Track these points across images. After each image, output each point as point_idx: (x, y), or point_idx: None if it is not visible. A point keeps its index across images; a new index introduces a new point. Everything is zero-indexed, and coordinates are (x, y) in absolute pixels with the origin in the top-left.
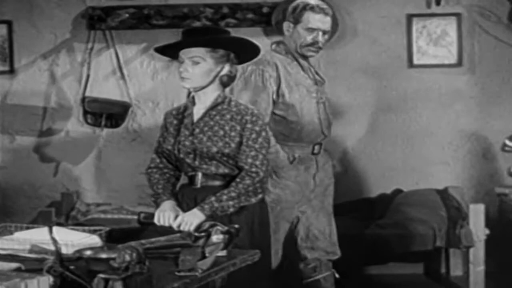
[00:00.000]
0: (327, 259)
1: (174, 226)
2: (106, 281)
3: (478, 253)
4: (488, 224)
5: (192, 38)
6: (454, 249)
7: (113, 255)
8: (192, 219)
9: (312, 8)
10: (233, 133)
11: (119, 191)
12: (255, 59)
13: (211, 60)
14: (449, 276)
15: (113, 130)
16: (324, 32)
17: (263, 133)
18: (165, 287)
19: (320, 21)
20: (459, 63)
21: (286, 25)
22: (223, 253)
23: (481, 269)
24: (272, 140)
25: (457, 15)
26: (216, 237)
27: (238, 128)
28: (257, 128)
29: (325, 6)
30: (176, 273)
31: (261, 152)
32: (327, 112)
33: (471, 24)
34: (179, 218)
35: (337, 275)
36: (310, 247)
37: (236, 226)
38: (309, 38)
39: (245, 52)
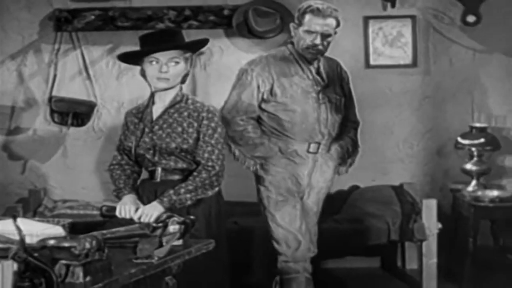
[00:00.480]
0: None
1: (135, 218)
2: (67, 266)
3: (430, 246)
4: (442, 218)
5: (167, 43)
6: (410, 243)
7: (74, 244)
8: (151, 211)
9: (312, 11)
10: (190, 130)
11: (85, 188)
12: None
13: (183, 61)
14: (405, 269)
15: (79, 128)
16: (324, 35)
17: (219, 129)
18: (123, 273)
19: (318, 24)
20: (414, 64)
21: (291, 27)
22: (179, 242)
23: (433, 261)
24: (258, 133)
25: (412, 17)
26: (172, 227)
27: (195, 124)
28: (213, 125)
29: (327, 9)
30: (134, 260)
31: (217, 147)
32: (333, 113)
33: (426, 26)
34: (139, 211)
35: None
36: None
37: (192, 217)
38: (308, 41)
39: (200, 49)
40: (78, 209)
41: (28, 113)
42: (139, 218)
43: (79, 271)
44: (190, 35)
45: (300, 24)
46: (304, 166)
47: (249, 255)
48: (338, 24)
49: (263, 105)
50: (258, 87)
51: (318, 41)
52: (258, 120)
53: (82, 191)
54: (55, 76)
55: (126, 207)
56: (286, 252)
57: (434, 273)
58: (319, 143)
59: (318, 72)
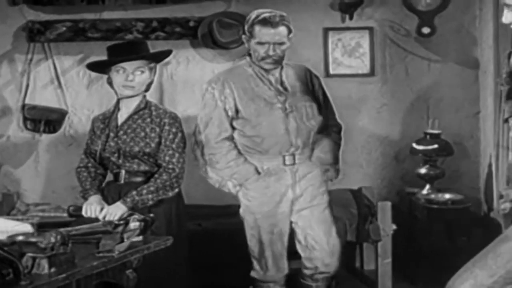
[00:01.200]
0: (323, 271)
1: (100, 217)
2: (34, 259)
3: (385, 247)
4: (399, 221)
5: (133, 53)
6: (368, 244)
7: (40, 239)
8: (116, 210)
9: (260, 22)
10: (153, 134)
11: (56, 192)
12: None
13: (148, 70)
14: (363, 269)
15: (51, 135)
16: (277, 44)
17: (179, 134)
18: (85, 265)
19: (268, 34)
20: (371, 73)
21: (243, 39)
22: (139, 238)
23: (388, 261)
24: (234, 154)
25: (370, 29)
26: (133, 224)
27: (158, 129)
28: (174, 130)
29: (275, 17)
30: (96, 254)
31: (178, 151)
32: (304, 121)
33: (383, 37)
34: (104, 210)
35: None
36: (308, 257)
37: (151, 215)
38: (262, 52)
39: (163, 59)
40: (49, 212)
41: (2, 121)
42: (104, 217)
43: (45, 263)
44: (157, 45)
45: (251, 36)
46: (284, 181)
47: (213, 256)
48: (290, 31)
49: (233, 123)
50: (223, 105)
51: (271, 52)
52: (233, 139)
53: (53, 195)
54: (28, 85)
55: (92, 207)
56: (259, 272)
57: (389, 272)
58: (293, 154)
59: (280, 81)
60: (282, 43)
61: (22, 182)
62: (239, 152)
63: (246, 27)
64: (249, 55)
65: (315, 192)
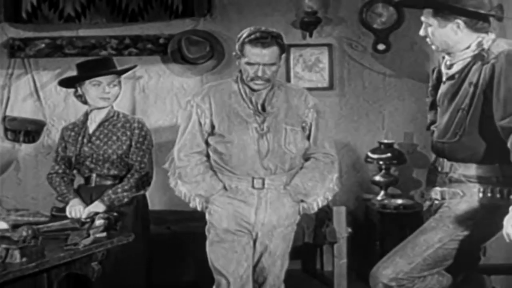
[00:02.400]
0: None
1: (83, 217)
2: (7, 250)
3: (341, 248)
4: (356, 225)
5: (105, 69)
6: (327, 246)
7: (13, 233)
8: (95, 209)
9: (251, 42)
10: (124, 138)
11: (35, 198)
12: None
13: (118, 84)
14: (323, 270)
15: (30, 145)
16: (267, 65)
17: (148, 137)
18: (53, 256)
19: (258, 55)
20: (330, 87)
21: (234, 56)
22: (103, 234)
23: (343, 262)
24: (202, 168)
25: (329, 45)
26: (98, 222)
27: (128, 133)
28: (143, 133)
29: (266, 38)
30: (64, 247)
31: (147, 152)
32: (281, 145)
33: (341, 53)
34: (86, 210)
35: None
36: (257, 281)
37: (115, 213)
38: (251, 73)
39: (126, 73)
40: (29, 217)
41: None
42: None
43: (17, 254)
44: (130, 61)
45: (242, 54)
46: (248, 203)
47: (179, 256)
48: (282, 50)
49: (209, 139)
50: (199, 119)
51: (260, 73)
52: (205, 154)
53: (32, 201)
54: (8, 97)
55: (76, 208)
56: None
57: (344, 273)
58: (263, 178)
59: (263, 101)
60: (272, 64)
61: (3, 189)
62: (211, 168)
63: (237, 45)
64: (240, 71)
65: (281, 223)
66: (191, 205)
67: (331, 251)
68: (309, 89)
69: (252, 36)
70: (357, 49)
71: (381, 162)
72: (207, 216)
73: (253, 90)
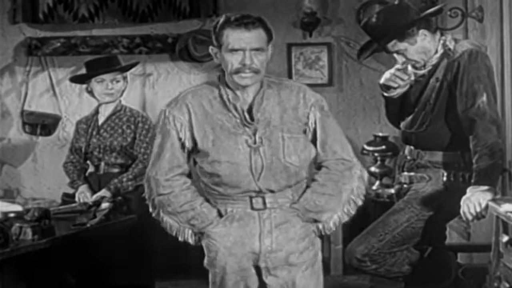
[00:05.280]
0: None
1: (91, 201)
2: (21, 228)
3: (337, 235)
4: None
5: (109, 67)
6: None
7: (27, 213)
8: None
9: (231, 24)
10: (128, 130)
11: (51, 188)
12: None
13: (122, 79)
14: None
15: (47, 138)
16: (254, 51)
17: (151, 130)
18: (63, 233)
19: (241, 39)
20: (330, 83)
21: (211, 52)
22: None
23: (339, 247)
24: (189, 195)
25: (328, 44)
26: (104, 205)
27: (132, 127)
28: (146, 126)
29: (248, 18)
30: (72, 227)
31: (150, 143)
32: (280, 158)
33: (339, 52)
34: (94, 196)
35: None
36: None
37: (119, 198)
38: (235, 63)
39: (131, 69)
40: (45, 205)
41: (4, 125)
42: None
43: (29, 231)
44: (141, 59)
45: (220, 44)
46: (249, 228)
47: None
48: (269, 37)
49: (194, 156)
50: (177, 134)
51: (247, 60)
52: (189, 176)
53: (48, 191)
54: (26, 93)
55: (83, 195)
56: None
57: (340, 257)
58: (263, 197)
59: (250, 107)
60: (260, 50)
61: (21, 179)
62: (199, 193)
63: (213, 36)
64: (222, 71)
65: (293, 247)
66: (180, 238)
67: (326, 238)
68: (310, 85)
69: (232, 18)
70: (354, 47)
71: (376, 154)
72: (205, 250)
73: (236, 90)
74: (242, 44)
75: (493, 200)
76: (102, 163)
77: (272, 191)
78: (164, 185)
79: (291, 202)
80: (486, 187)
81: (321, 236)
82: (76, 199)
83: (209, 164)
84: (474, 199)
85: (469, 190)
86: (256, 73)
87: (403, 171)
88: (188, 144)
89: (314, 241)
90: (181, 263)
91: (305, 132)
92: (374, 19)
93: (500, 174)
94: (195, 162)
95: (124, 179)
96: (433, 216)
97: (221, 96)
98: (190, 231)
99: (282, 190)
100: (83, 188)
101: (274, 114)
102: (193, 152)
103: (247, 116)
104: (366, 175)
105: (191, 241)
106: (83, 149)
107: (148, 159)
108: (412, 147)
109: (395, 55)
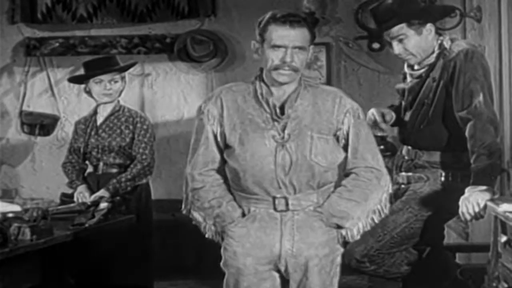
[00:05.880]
0: None
1: (89, 201)
2: (19, 228)
3: None
4: None
5: (107, 67)
6: None
7: (25, 214)
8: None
9: (277, 20)
10: (127, 131)
11: (49, 188)
12: None
13: (120, 80)
14: None
15: (45, 138)
16: (296, 49)
17: (150, 130)
18: (61, 234)
19: (285, 36)
20: (328, 83)
21: (253, 47)
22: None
23: None
24: (218, 191)
25: (327, 44)
26: (102, 205)
27: (131, 127)
28: (145, 127)
29: (294, 16)
30: (70, 227)
31: (149, 144)
32: (306, 156)
33: (338, 52)
34: (92, 197)
35: None
36: None
37: (118, 198)
38: (276, 59)
39: (129, 69)
40: (43, 206)
41: (2, 125)
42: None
43: (28, 231)
44: (139, 59)
45: (263, 39)
46: (270, 230)
47: (183, 241)
48: (313, 36)
49: (224, 153)
50: (212, 129)
51: (288, 58)
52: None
53: (46, 191)
54: (25, 93)
55: (81, 195)
56: None
57: None
58: (286, 198)
59: (283, 103)
60: (302, 48)
61: (20, 179)
62: (229, 191)
63: (257, 31)
64: (261, 70)
65: (312, 252)
66: (207, 235)
67: None
68: None
69: (279, 15)
70: (353, 48)
71: None
72: (222, 251)
73: (271, 86)
74: (285, 41)
75: (492, 200)
76: (101, 163)
77: (294, 190)
78: (197, 179)
79: (316, 205)
80: (484, 187)
81: (344, 244)
82: (75, 199)
83: (234, 158)
84: (473, 199)
85: (467, 190)
86: (295, 71)
87: (400, 171)
88: (220, 138)
89: (334, 247)
90: (179, 264)
91: (336, 136)
92: (390, 0)
93: (498, 174)
94: (225, 161)
95: (123, 179)
96: (432, 217)
97: (255, 91)
98: (214, 228)
99: (304, 191)
100: (82, 188)
101: (306, 113)
102: (225, 148)
103: (278, 110)
104: (391, 187)
105: (215, 239)
106: (81, 149)
107: (147, 159)
108: (409, 147)
109: (394, 43)
